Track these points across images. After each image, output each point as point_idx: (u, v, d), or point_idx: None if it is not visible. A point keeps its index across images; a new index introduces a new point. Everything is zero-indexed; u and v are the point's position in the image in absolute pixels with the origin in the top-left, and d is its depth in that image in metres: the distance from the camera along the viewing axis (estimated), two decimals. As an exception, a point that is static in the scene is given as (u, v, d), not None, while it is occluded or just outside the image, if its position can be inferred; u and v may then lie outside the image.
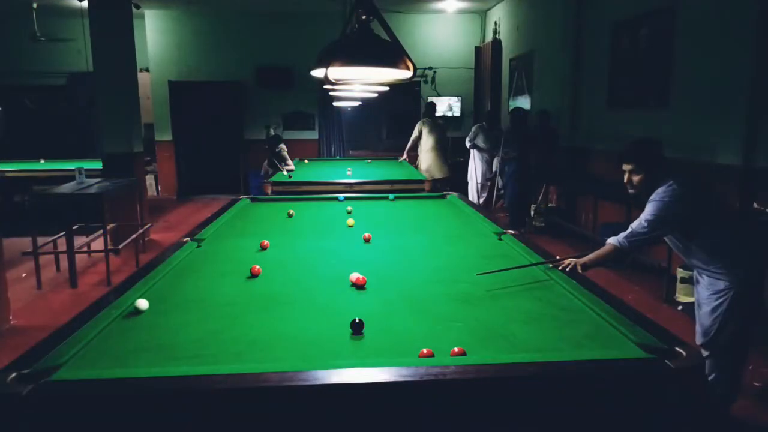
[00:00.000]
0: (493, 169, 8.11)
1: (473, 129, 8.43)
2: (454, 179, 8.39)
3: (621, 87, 6.10)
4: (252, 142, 10.37)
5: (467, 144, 8.30)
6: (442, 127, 8.52)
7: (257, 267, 2.39)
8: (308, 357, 1.58)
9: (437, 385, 1.34)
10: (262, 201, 4.43)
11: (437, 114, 11.07)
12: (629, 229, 2.67)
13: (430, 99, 9.58)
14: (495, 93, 9.96)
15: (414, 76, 2.66)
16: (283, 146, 7.84)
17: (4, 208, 7.49)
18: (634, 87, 5.85)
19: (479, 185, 8.39)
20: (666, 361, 1.44)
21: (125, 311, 1.92)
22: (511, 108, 8.68)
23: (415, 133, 8.38)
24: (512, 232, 3.05)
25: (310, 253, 2.82)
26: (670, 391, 1.39)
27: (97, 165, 6.91)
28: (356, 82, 3.27)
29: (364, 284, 2.21)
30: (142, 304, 1.96)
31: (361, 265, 2.43)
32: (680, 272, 4.53)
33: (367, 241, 2.98)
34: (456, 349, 1.53)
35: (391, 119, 11.61)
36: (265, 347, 1.66)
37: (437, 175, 7.96)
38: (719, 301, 2.51)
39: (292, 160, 8.08)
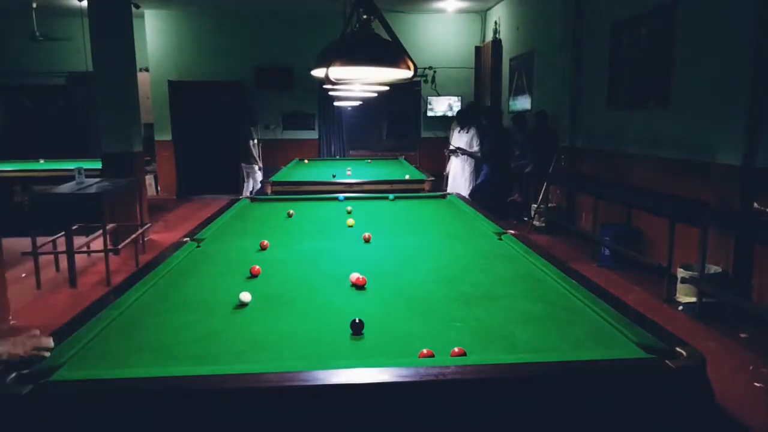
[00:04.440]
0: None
1: (452, 133, 8.11)
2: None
3: (621, 87, 6.10)
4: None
5: (451, 151, 8.03)
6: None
7: (257, 267, 2.38)
8: (308, 357, 1.58)
9: (437, 385, 1.34)
10: (261, 201, 4.43)
11: (433, 114, 11.05)
12: None
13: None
14: (495, 93, 9.97)
15: (414, 75, 2.66)
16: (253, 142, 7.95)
17: (4, 208, 7.49)
18: (634, 87, 5.85)
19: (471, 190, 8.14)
20: (666, 361, 1.44)
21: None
22: (492, 109, 8.40)
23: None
24: (512, 232, 3.05)
25: (310, 253, 2.82)
26: (670, 392, 1.39)
27: (97, 165, 6.91)
28: (357, 82, 3.27)
29: (364, 284, 2.20)
30: (246, 297, 2.00)
31: (361, 265, 2.43)
32: (680, 272, 4.53)
33: (367, 241, 2.98)
34: (456, 350, 1.53)
35: (391, 119, 11.61)
36: (265, 347, 1.66)
37: None
38: None
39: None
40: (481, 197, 6.46)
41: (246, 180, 8.61)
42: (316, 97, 10.65)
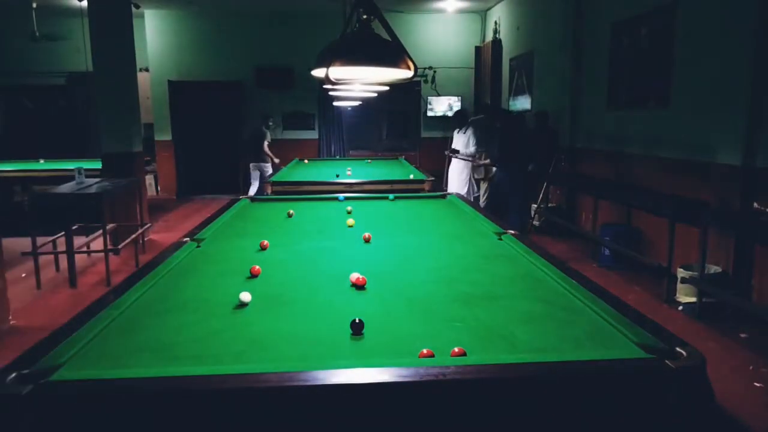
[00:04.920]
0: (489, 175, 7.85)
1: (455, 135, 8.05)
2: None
3: (621, 87, 6.10)
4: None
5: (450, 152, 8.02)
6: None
7: (257, 267, 2.38)
8: (308, 357, 1.58)
9: (437, 385, 1.34)
10: (261, 201, 4.42)
11: (433, 114, 11.04)
12: None
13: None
14: (495, 93, 9.97)
15: (414, 75, 2.66)
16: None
17: (4, 208, 7.49)
18: (634, 87, 5.85)
19: (476, 196, 8.11)
20: (666, 361, 1.44)
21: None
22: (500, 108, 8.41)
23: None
24: (512, 232, 3.05)
25: (309, 253, 2.82)
26: (670, 392, 1.39)
27: (97, 165, 6.92)
28: (357, 82, 3.27)
29: (364, 284, 2.20)
30: (246, 296, 2.00)
31: (361, 265, 2.43)
32: (680, 272, 4.53)
33: (367, 241, 2.98)
34: (456, 350, 1.53)
35: (391, 119, 11.62)
36: (265, 347, 1.66)
37: None
38: None
39: (291, 159, 8.15)
40: (496, 199, 6.52)
41: (252, 181, 8.78)
42: (316, 97, 10.65)
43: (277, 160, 8.65)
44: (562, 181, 7.07)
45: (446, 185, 7.81)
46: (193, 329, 1.79)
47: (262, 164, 8.75)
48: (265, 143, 8.78)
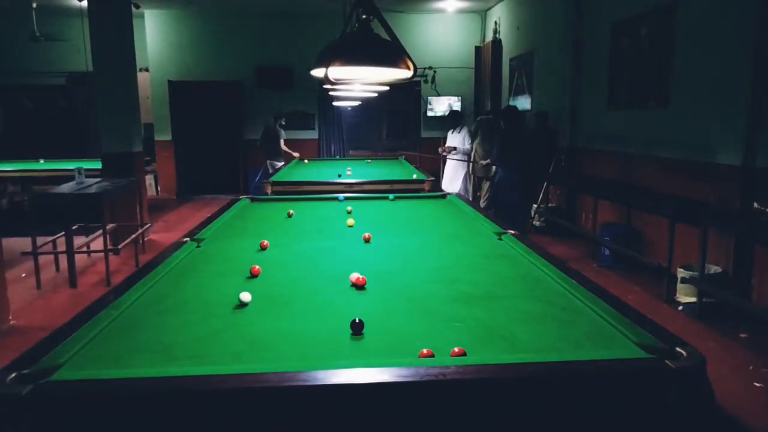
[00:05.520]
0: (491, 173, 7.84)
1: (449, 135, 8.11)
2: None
3: (621, 87, 6.10)
4: (252, 142, 10.37)
5: (447, 149, 8.04)
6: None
7: (257, 267, 2.38)
8: (308, 357, 1.58)
9: (437, 385, 1.34)
10: (261, 201, 4.42)
11: (433, 114, 11.04)
12: None
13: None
14: (495, 93, 9.96)
15: (414, 75, 2.66)
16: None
17: (3, 208, 7.49)
18: (634, 87, 5.85)
19: (477, 196, 8.12)
20: (666, 361, 1.44)
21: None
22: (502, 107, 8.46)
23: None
24: (512, 232, 3.05)
25: (309, 253, 2.82)
26: (670, 392, 1.39)
27: (97, 165, 6.92)
28: (356, 82, 3.27)
29: (364, 284, 2.20)
30: (246, 297, 2.00)
31: (361, 265, 2.43)
32: (680, 272, 4.53)
33: (367, 241, 2.98)
34: (456, 350, 1.53)
35: (391, 119, 11.61)
36: (265, 347, 1.66)
37: None
38: None
39: (292, 159, 8.22)
40: (496, 199, 6.53)
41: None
42: (316, 97, 10.65)
43: (296, 155, 8.77)
44: (562, 181, 7.07)
45: (442, 185, 7.85)
46: (193, 329, 1.79)
47: (275, 161, 9.02)
48: (282, 141, 9.15)
